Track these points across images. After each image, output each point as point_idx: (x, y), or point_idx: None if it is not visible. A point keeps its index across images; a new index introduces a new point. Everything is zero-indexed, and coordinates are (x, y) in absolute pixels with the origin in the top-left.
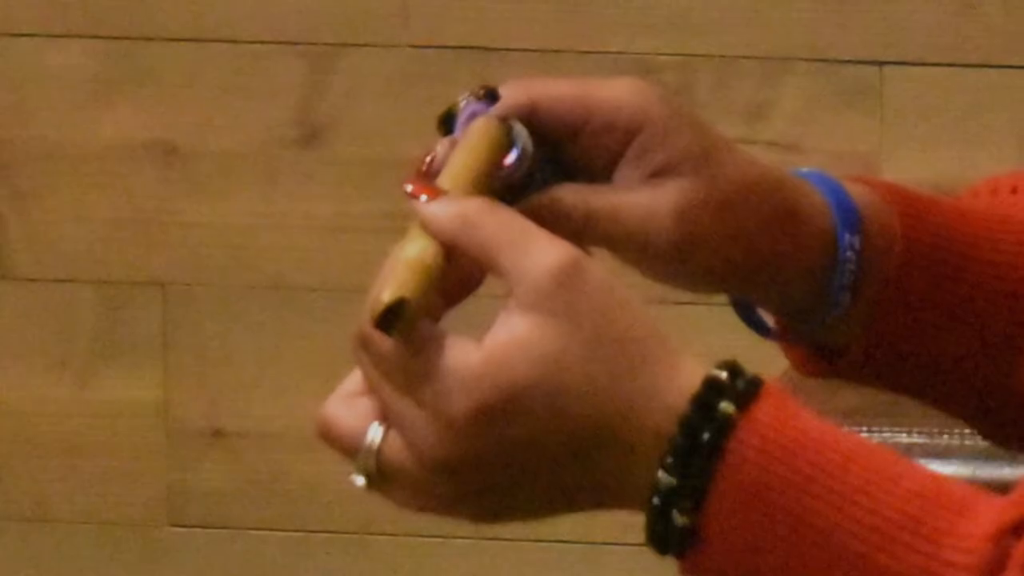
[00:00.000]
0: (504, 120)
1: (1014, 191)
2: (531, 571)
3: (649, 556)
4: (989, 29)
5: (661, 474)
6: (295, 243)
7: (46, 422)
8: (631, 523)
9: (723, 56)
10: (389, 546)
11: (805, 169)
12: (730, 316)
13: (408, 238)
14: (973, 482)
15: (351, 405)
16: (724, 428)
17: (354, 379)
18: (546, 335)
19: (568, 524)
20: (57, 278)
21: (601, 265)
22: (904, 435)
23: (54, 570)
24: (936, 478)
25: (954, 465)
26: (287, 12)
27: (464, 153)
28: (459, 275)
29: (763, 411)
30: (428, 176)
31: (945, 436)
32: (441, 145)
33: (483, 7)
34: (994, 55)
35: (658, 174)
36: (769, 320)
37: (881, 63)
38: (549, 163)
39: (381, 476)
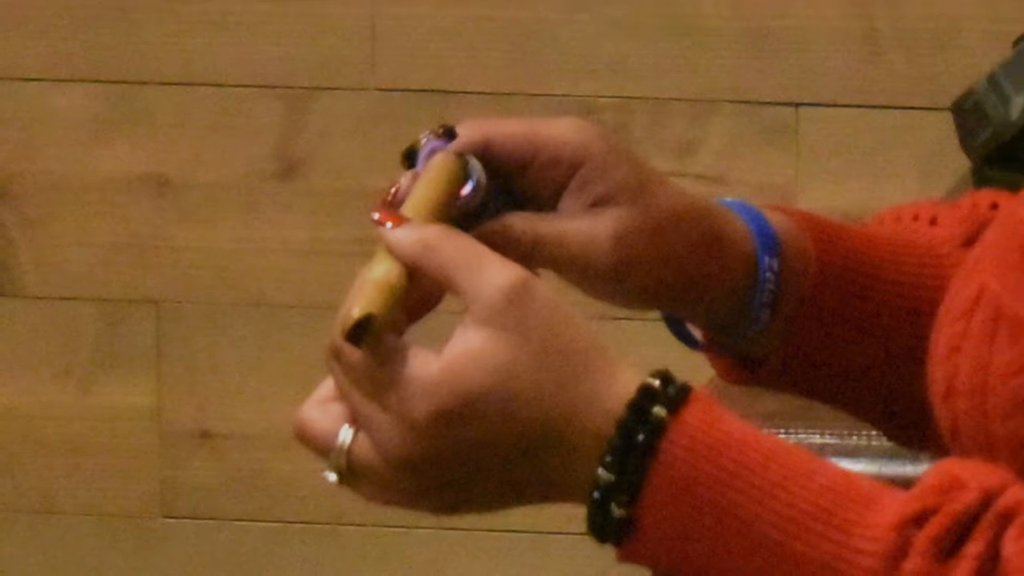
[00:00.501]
0: (461, 155)
1: (915, 218)
2: (485, 557)
3: (590, 544)
4: (893, 75)
5: (601, 471)
6: (274, 265)
7: (52, 425)
8: (574, 515)
9: (656, 98)
10: (358, 535)
11: (729, 199)
12: (662, 330)
13: (375, 260)
14: (879, 478)
15: (324, 410)
16: (657, 430)
17: (327, 386)
18: (498, 347)
19: (518, 516)
20: (62, 296)
21: (547, 285)
22: (817, 436)
23: (59, 557)
24: (846, 474)
25: (862, 463)
26: (267, 59)
27: (425, 185)
28: (420, 294)
29: (692, 415)
30: (393, 205)
31: (854, 437)
32: (404, 178)
33: (442, 55)
34: (897, 98)
35: (598, 203)
36: (697, 334)
37: (797, 104)
38: (501, 194)
39: (351, 473)
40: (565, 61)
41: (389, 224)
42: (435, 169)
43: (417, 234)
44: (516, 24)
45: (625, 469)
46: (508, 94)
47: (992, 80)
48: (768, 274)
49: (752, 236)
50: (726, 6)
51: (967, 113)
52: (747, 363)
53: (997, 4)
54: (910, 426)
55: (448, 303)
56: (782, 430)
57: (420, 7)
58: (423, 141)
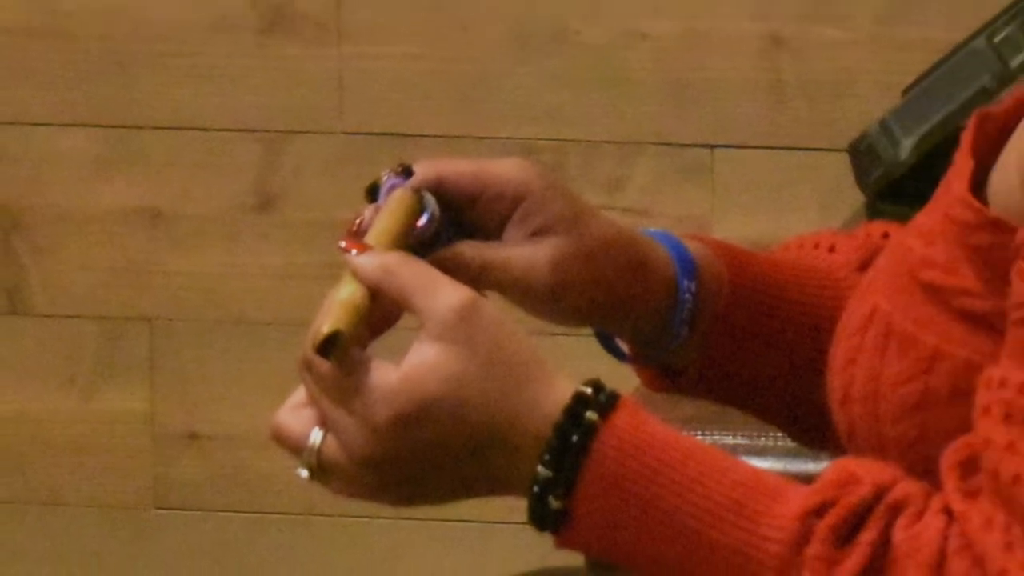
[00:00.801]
0: (417, 191)
1: (816, 246)
2: (438, 544)
3: (531, 533)
4: (797, 120)
5: (540, 468)
6: (254, 287)
7: (58, 427)
8: (516, 506)
9: (589, 141)
10: (327, 524)
11: (653, 229)
12: (594, 345)
13: (341, 283)
14: (784, 475)
15: (297, 414)
16: (589, 432)
17: (300, 394)
18: (450, 360)
19: (467, 507)
20: (67, 315)
21: (493, 305)
22: (730, 437)
23: (64, 544)
24: (755, 471)
25: (769, 461)
26: (247, 106)
27: (385, 217)
28: (381, 312)
29: (620, 419)
30: (357, 235)
31: (762, 439)
32: (367, 210)
33: (401, 103)
34: (801, 140)
35: (537, 233)
36: (624, 348)
37: (712, 146)
38: (452, 225)
39: (321, 470)
40: (509, 108)
41: (354, 251)
42: (394, 203)
43: (378, 260)
44: (466, 76)
45: (561, 467)
46: (458, 137)
47: (883, 125)
48: (687, 295)
49: (673, 262)
50: (649, 60)
51: (862, 154)
52: (668, 373)
53: (888, 58)
54: (811, 429)
55: (406, 321)
56: (699, 432)
57: (382, 61)
58: (384, 178)
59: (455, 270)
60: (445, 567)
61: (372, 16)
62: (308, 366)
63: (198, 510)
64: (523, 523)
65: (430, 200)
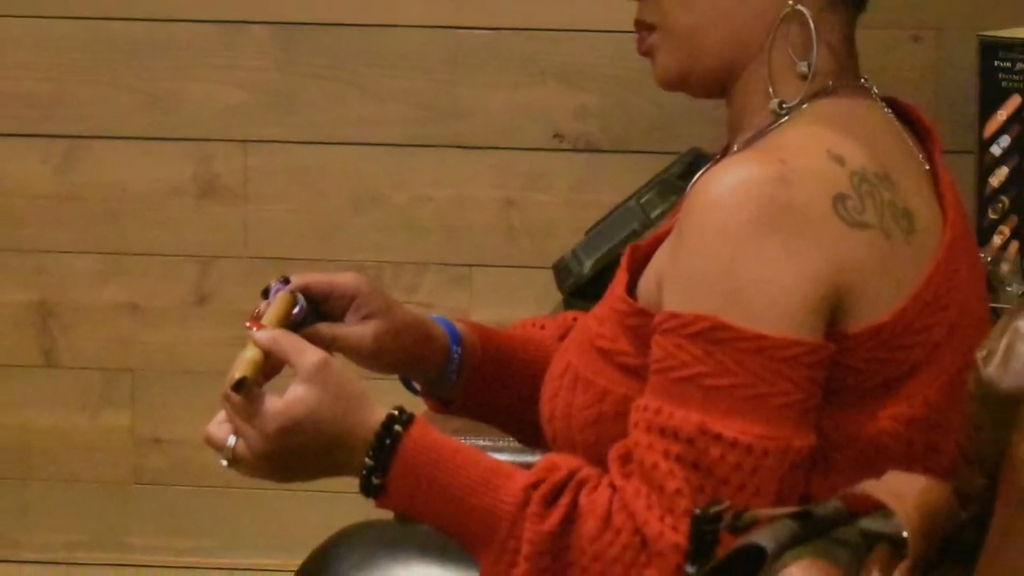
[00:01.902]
0: (293, 292)
1: (534, 325)
2: (307, 504)
3: (361, 499)
4: (523, 250)
5: (367, 460)
6: (197, 351)
7: (76, 435)
8: (353, 483)
9: (396, 262)
10: (240, 494)
11: (435, 315)
12: (398, 385)
13: (246, 347)
14: (515, 463)
15: (220, 426)
16: (396, 438)
17: (221, 414)
18: (311, 395)
19: (324, 483)
20: (81, 367)
21: (338, 361)
22: (482, 440)
23: (77, 507)
24: (497, 462)
25: (506, 455)
26: (189, 241)
27: (273, 308)
28: (271, 365)
29: (415, 430)
30: (257, 318)
31: (501, 441)
32: (262, 304)
33: (284, 239)
34: (525, 262)
35: (365, 318)
36: (417, 387)
37: (471, 266)
38: (314, 313)
39: (234, 461)
40: (348, 243)
41: (255, 329)
42: (279, 299)
43: (269, 334)
44: (323, 223)
45: (379, 459)
46: (319, 260)
47: (574, 252)
48: (455, 356)
49: (447, 335)
50: (433, 213)
51: (561, 271)
52: (444, 402)
53: (576, 212)
54: (531, 436)
55: (286, 371)
56: (463, 437)
57: (272, 213)
58: (272, 285)
59: (316, 340)
60: (309, 520)
61: (265, 188)
62: (226, 398)
63: (161, 485)
64: (356, 492)
65: (300, 298)
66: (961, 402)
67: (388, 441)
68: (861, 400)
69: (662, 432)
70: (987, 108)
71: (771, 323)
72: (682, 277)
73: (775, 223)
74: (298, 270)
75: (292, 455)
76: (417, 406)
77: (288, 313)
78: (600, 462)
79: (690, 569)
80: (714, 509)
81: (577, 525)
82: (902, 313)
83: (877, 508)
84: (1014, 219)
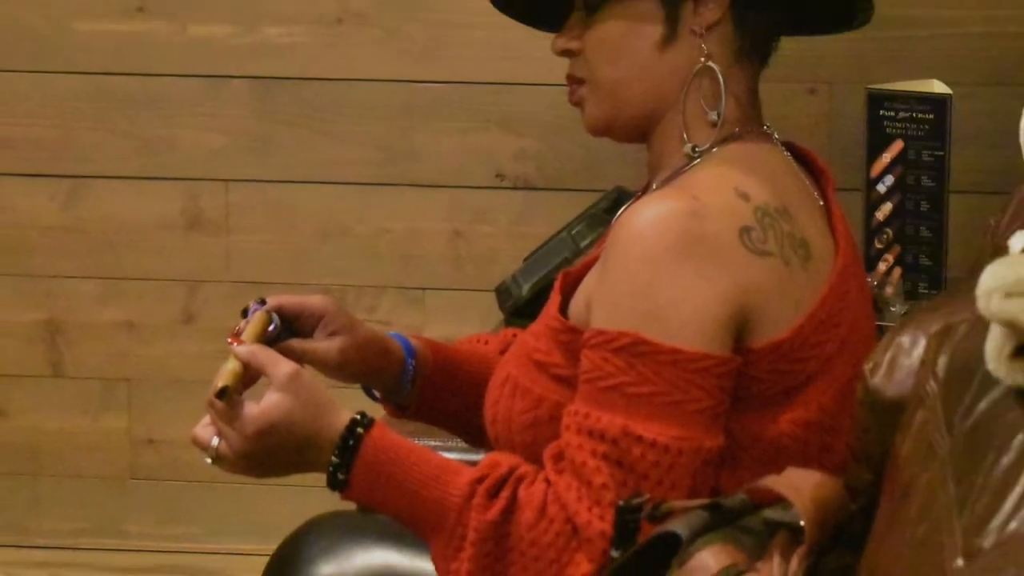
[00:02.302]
0: (268, 312)
1: (479, 341)
2: (281, 496)
3: (327, 492)
4: (469, 276)
5: (333, 458)
6: (186, 364)
7: (79, 437)
8: (321, 478)
9: (358, 286)
10: (224, 488)
11: (392, 332)
12: (360, 393)
13: (228, 360)
14: (463, 461)
15: (205, 428)
16: (359, 439)
17: (206, 418)
18: (284, 401)
19: (296, 478)
20: (84, 377)
21: (308, 372)
22: (433, 441)
23: (81, 499)
24: (447, 460)
25: (455, 453)
26: (177, 267)
27: (252, 325)
28: (250, 375)
29: (375, 432)
30: (237, 335)
31: (451, 442)
32: (243, 322)
33: (260, 264)
34: (471, 286)
35: (332, 334)
36: (377, 394)
37: (424, 289)
38: (287, 330)
39: (217, 459)
40: (317, 269)
41: (235, 344)
42: (256, 318)
43: (247, 348)
44: (294, 252)
45: (344, 457)
46: (292, 283)
47: (514, 277)
48: (410, 368)
49: (403, 349)
50: (390, 244)
51: (502, 293)
52: (401, 408)
53: (516, 242)
54: (476, 438)
55: (262, 380)
56: (417, 439)
57: (251, 244)
58: (251, 305)
59: (288, 354)
60: (283, 510)
61: (245, 221)
62: (211, 404)
63: (154, 480)
64: (324, 487)
65: (275, 317)
66: (851, 408)
67: (351, 442)
68: (764, 406)
69: (590, 434)
70: (873, 151)
71: (685, 339)
72: (608, 298)
73: (689, 251)
74: (273, 292)
75: (268, 454)
76: (377, 411)
77: (264, 330)
78: (536, 460)
79: (614, 553)
80: (636, 501)
81: (516, 515)
82: (799, 330)
83: (778, 500)
84: (897, 248)
